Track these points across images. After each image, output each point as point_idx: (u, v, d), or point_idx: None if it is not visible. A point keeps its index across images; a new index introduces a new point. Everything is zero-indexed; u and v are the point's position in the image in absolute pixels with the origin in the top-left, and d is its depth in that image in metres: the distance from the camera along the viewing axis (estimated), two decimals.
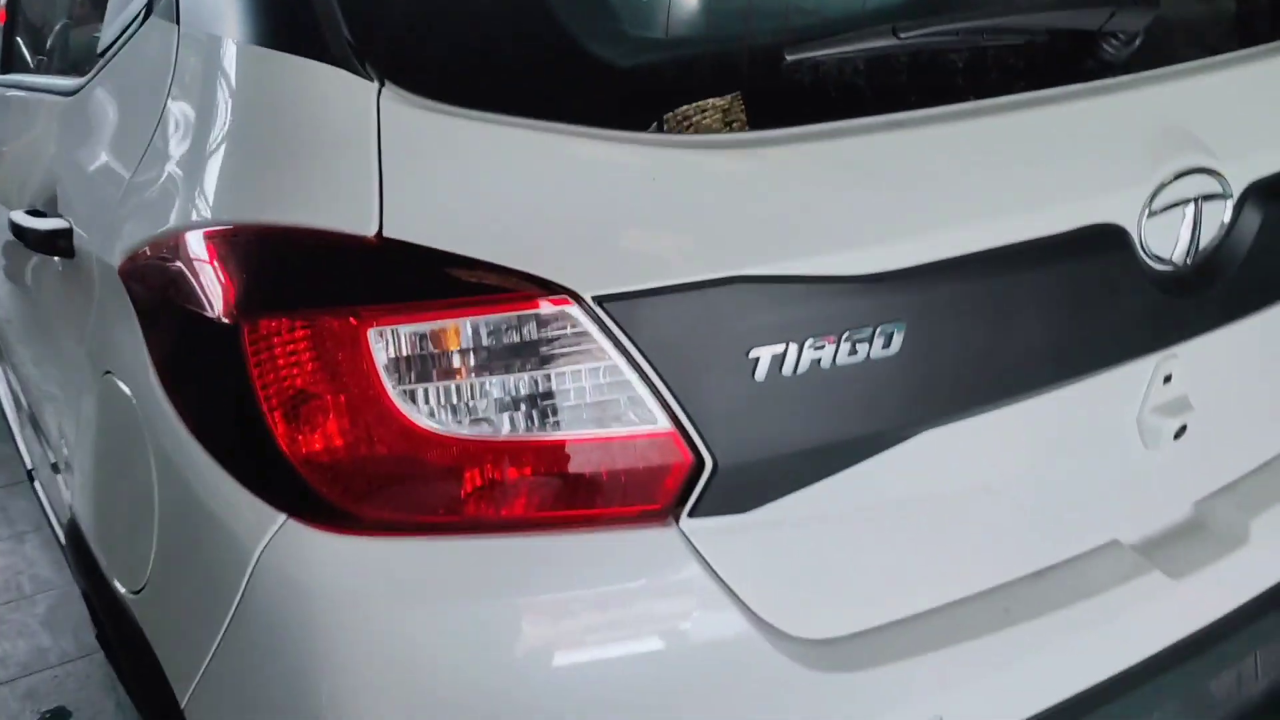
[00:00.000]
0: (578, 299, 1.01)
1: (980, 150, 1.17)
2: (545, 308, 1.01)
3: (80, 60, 1.95)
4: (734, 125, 1.12)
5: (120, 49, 1.53)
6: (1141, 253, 1.24)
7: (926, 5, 1.26)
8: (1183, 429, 1.35)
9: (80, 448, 1.58)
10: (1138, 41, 1.29)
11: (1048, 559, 1.31)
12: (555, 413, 1.04)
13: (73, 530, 1.66)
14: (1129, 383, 1.33)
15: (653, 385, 1.04)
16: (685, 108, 1.12)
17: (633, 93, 1.15)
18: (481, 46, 1.14)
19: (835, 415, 1.10)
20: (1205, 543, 1.41)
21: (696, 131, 1.11)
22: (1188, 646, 1.35)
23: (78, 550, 1.62)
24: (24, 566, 2.95)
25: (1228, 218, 1.30)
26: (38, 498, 2.47)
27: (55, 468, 2.04)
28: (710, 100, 1.13)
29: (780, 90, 1.15)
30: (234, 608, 1.10)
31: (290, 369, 1.03)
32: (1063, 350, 1.23)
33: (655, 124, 1.10)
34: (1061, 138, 1.22)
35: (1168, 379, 1.35)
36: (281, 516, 1.06)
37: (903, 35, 1.16)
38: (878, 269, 1.08)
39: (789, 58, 1.14)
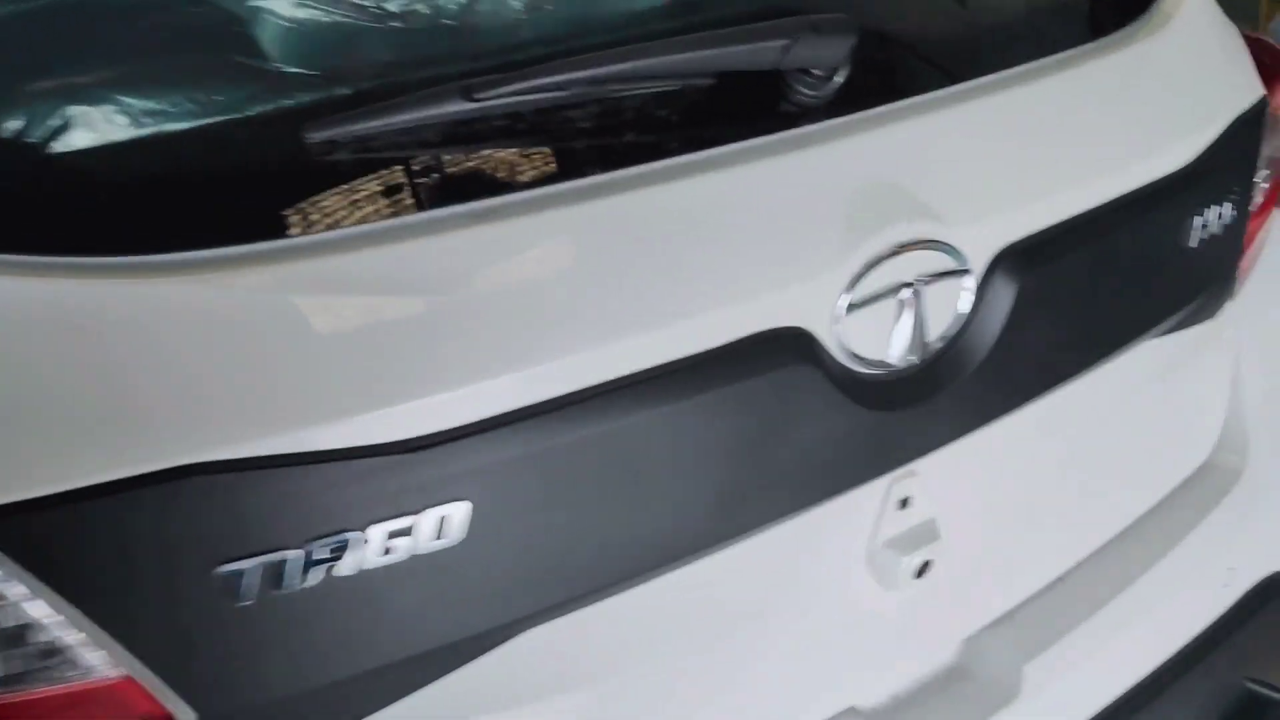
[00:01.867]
0: None
1: (596, 245, 0.86)
2: None
3: None
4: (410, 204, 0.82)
5: None
6: (839, 358, 0.95)
7: (519, 47, 0.95)
8: (926, 564, 1.07)
9: None
10: (839, 78, 0.99)
11: None
12: None
13: None
14: (851, 516, 1.04)
15: (80, 625, 0.72)
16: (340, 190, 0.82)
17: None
18: None
19: (376, 632, 0.79)
20: (967, 699, 1.12)
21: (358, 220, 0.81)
22: None
23: None
24: None
25: (968, 300, 1.01)
26: None
27: None
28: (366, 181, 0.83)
29: (300, 181, 0.84)
30: None
31: None
32: (737, 497, 0.93)
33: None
34: (719, 216, 0.91)
35: (904, 503, 1.07)
36: None
37: (480, 96, 0.85)
38: (421, 432, 0.77)
39: (309, 137, 0.83)
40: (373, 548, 0.76)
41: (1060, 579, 1.21)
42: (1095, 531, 1.24)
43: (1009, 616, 1.18)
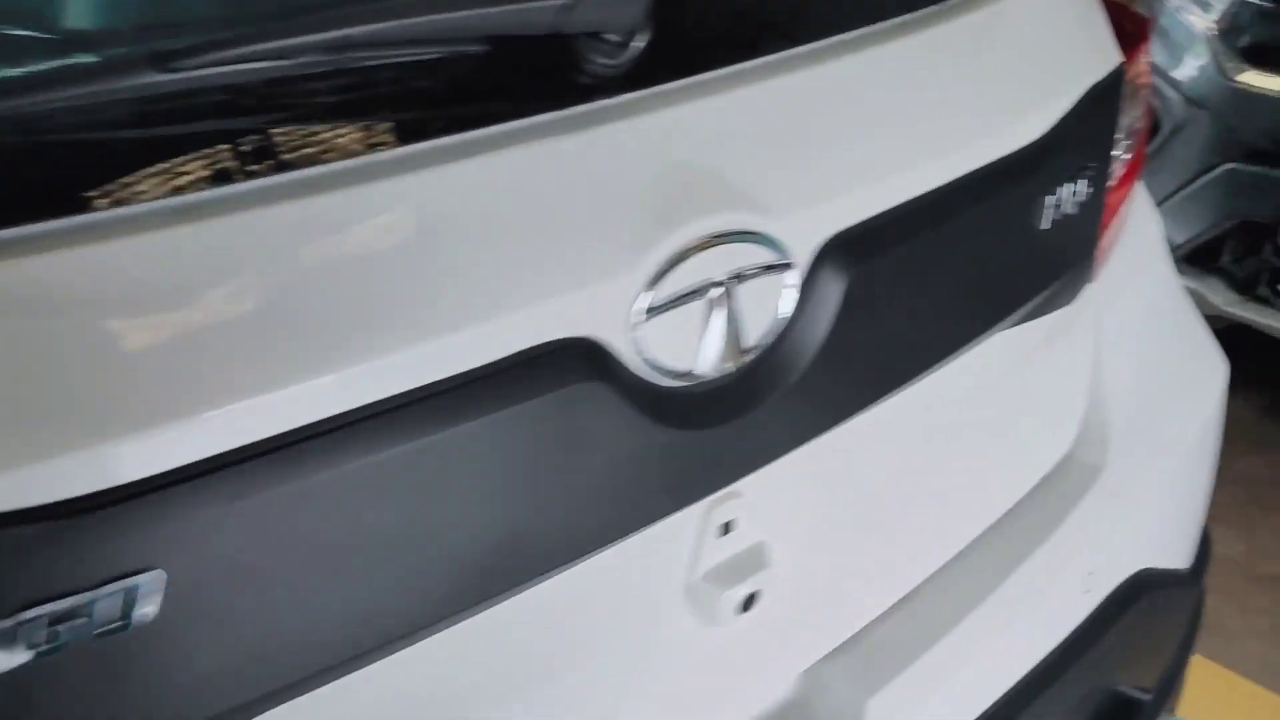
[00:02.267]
0: None
1: (332, 247, 0.71)
2: None
3: None
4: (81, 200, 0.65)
5: None
6: (637, 371, 0.82)
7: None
8: (753, 596, 0.95)
9: None
10: (637, 43, 0.85)
11: None
12: None
13: None
14: (663, 548, 0.91)
15: None
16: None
17: None
18: None
19: None
20: None
21: None
22: None
23: None
24: None
25: (791, 299, 0.89)
26: None
27: None
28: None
29: None
30: None
31: None
32: (520, 539, 0.79)
33: None
34: (489, 208, 0.77)
35: (726, 529, 0.94)
36: None
37: (179, 67, 0.69)
38: (89, 489, 0.62)
39: None
40: (25, 638, 0.61)
41: (908, 598, 1.10)
42: (945, 544, 1.13)
43: (851, 644, 1.06)
